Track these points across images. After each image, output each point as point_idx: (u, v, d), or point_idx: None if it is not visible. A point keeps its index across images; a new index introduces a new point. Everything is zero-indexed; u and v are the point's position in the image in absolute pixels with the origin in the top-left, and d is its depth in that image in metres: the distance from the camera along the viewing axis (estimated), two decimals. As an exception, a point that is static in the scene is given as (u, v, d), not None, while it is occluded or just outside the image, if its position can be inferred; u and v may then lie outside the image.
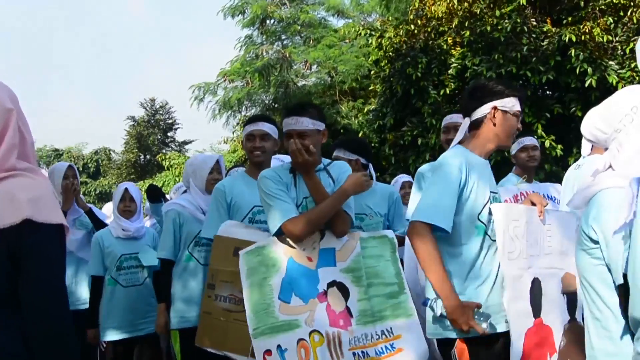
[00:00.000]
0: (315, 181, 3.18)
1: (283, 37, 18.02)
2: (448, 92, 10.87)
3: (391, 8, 15.90)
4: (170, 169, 22.90)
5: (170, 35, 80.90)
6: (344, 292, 3.15)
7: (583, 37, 9.77)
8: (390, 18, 14.67)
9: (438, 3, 11.65)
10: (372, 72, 14.29)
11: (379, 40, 12.73)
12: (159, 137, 37.92)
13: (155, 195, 5.85)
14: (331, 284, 3.14)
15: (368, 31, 14.73)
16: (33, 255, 1.79)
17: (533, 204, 3.15)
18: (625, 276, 2.14)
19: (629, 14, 10.08)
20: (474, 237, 2.85)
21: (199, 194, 4.31)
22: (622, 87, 7.98)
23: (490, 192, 2.96)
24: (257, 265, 3.10)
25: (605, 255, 2.39)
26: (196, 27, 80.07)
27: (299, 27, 17.63)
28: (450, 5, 11.33)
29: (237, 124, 18.25)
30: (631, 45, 9.62)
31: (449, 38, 11.42)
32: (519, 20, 10.17)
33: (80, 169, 36.62)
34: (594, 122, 2.68)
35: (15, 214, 1.77)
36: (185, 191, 4.64)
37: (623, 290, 2.22)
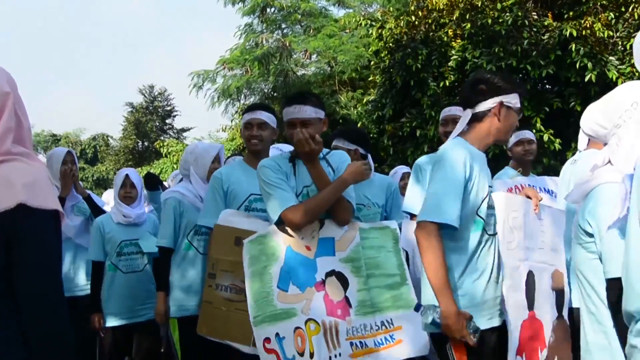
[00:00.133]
0: (319, 170, 3.19)
1: (283, 25, 17.98)
2: (448, 84, 10.86)
3: (392, -1, 15.88)
4: (168, 156, 22.85)
5: (170, 22, 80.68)
6: (343, 282, 3.15)
7: (584, 32, 9.77)
8: (391, 9, 14.64)
9: (439, -6, 11.63)
10: (372, 63, 14.27)
11: (380, 30, 12.71)
12: (157, 124, 37.83)
13: (153, 183, 5.85)
14: (330, 274, 3.15)
15: (369, 21, 14.70)
16: (27, 241, 1.78)
17: (528, 197, 3.16)
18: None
19: (630, 9, 10.08)
20: (473, 232, 2.83)
21: (200, 182, 4.30)
22: (622, 82, 7.99)
23: (488, 186, 2.96)
24: (259, 254, 3.11)
25: (599, 249, 2.41)
26: (196, 14, 79.84)
27: (300, 16, 17.59)
28: (452, -4, 11.32)
29: (236, 112, 18.22)
30: (632, 41, 9.60)
31: (450, 30, 11.41)
32: (520, 14, 10.16)
33: (78, 154, 36.49)
34: (594, 117, 2.69)
35: (9, 198, 1.77)
36: (181, 179, 4.62)
37: (613, 285, 2.24)
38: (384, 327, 3.15)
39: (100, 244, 4.63)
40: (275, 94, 17.21)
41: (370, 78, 14.86)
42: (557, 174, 4.16)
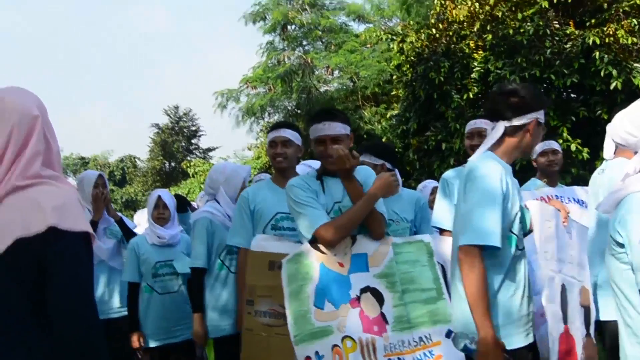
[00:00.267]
0: (356, 185, 3.21)
1: (304, 42, 18.10)
2: (471, 96, 10.82)
3: (412, 12, 15.90)
4: (195, 176, 23.01)
5: (192, 42, 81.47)
6: (379, 297, 3.14)
7: (607, 40, 9.68)
8: (411, 22, 14.66)
9: (459, 7, 11.61)
10: (394, 77, 14.27)
11: (401, 44, 12.71)
12: (183, 144, 38.14)
13: (181, 205, 5.89)
14: (364, 290, 3.13)
15: (389, 36, 14.72)
16: (59, 263, 1.79)
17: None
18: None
19: (653, 15, 9.97)
20: (507, 247, 2.76)
21: (229, 202, 4.34)
22: (648, 89, 7.93)
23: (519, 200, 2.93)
24: (295, 272, 3.13)
25: (630, 259, 2.38)
26: (218, 34, 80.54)
27: (320, 33, 17.71)
28: (472, 8, 11.29)
29: (261, 130, 18.34)
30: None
31: (471, 42, 11.37)
32: (541, 23, 10.11)
33: (107, 177, 36.78)
34: (624, 126, 2.67)
35: (40, 222, 1.79)
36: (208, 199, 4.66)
37: None
38: (422, 343, 3.11)
39: (136, 265, 4.68)
40: (298, 111, 17.30)
41: (393, 92, 14.87)
42: (586, 183, 4.13)
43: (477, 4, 11.18)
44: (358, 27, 19.39)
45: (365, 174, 3.38)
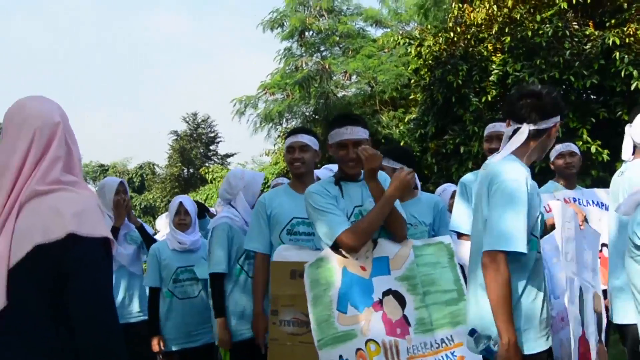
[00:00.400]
0: (380, 186, 3.23)
1: (322, 48, 18.11)
2: (490, 99, 10.77)
3: (429, 16, 15.87)
4: (214, 182, 23.09)
5: (211, 49, 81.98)
6: (400, 300, 3.15)
7: (627, 40, 9.60)
8: (428, 26, 14.62)
9: (477, 10, 11.58)
10: (412, 81, 14.25)
11: (418, 48, 12.70)
12: (202, 150, 38.31)
13: (199, 211, 5.94)
14: (386, 293, 3.14)
15: (407, 40, 14.71)
16: (78, 269, 1.82)
17: None
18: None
19: (674, 14, 9.87)
20: (530, 251, 2.73)
21: (247, 208, 4.38)
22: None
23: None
24: (318, 277, 3.15)
25: None
26: (236, 41, 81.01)
27: (338, 38, 17.71)
28: (490, 11, 11.25)
29: (279, 136, 18.37)
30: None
31: (489, 44, 11.32)
32: (560, 25, 10.04)
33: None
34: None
35: (59, 229, 1.82)
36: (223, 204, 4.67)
37: None
38: (444, 345, 3.11)
39: (157, 271, 4.73)
40: (316, 117, 17.31)
41: (411, 96, 14.84)
42: (606, 185, 4.09)
43: (495, 7, 11.13)
44: (375, 32, 19.41)
45: (381, 179, 3.38)
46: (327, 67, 16.44)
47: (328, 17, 17.85)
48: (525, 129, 2.81)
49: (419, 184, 4.34)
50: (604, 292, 4.30)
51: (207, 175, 24.31)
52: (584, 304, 3.15)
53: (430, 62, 12.11)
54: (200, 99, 77.97)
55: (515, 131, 2.85)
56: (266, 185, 15.90)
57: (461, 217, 4.07)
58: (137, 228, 5.16)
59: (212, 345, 4.61)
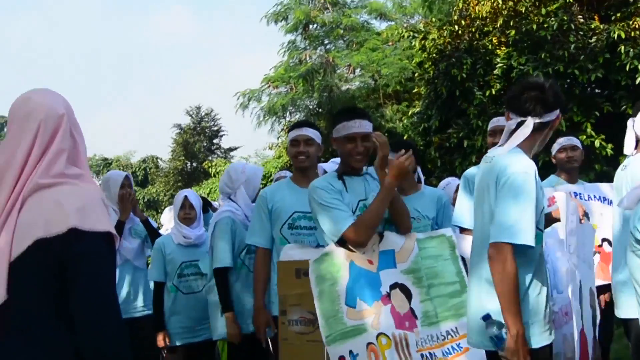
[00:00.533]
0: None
1: (326, 41, 18.08)
2: (494, 92, 10.72)
3: (434, 9, 15.78)
4: (217, 175, 23.10)
5: (214, 43, 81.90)
6: (407, 293, 3.16)
7: (633, 33, 9.53)
8: (433, 19, 14.56)
9: (482, 3, 11.50)
10: (416, 75, 14.19)
11: (423, 42, 12.64)
12: (205, 144, 38.27)
13: (203, 206, 5.95)
14: (393, 286, 3.16)
15: (411, 33, 14.65)
16: (80, 264, 1.81)
17: None
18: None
19: (680, 8, 9.80)
20: (536, 245, 2.73)
21: (249, 203, 4.38)
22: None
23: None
24: (324, 272, 3.14)
25: None
26: (240, 35, 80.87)
27: (342, 31, 17.68)
28: (495, 4, 11.18)
29: (282, 129, 18.35)
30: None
31: (494, 38, 11.27)
32: (565, 18, 9.98)
33: (130, 176, 36.99)
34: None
35: (61, 223, 1.81)
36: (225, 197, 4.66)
37: None
38: (449, 337, 3.14)
39: (162, 265, 4.73)
40: (320, 110, 17.28)
41: (415, 90, 14.79)
42: (610, 179, 4.08)
43: (500, 0, 11.07)
44: (380, 25, 19.35)
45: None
46: (331, 60, 16.41)
47: (332, 10, 17.82)
48: (530, 122, 2.80)
49: (422, 178, 4.32)
50: (602, 287, 4.31)
51: (210, 169, 24.33)
52: (582, 298, 3.15)
53: (434, 55, 12.06)
54: (203, 92, 77.97)
55: (519, 124, 2.83)
56: (269, 179, 15.90)
57: (464, 211, 4.06)
58: (142, 222, 5.16)
59: (212, 340, 4.61)
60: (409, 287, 3.18)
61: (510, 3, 10.96)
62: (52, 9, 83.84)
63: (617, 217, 3.44)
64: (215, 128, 39.19)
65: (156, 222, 6.14)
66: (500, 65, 10.68)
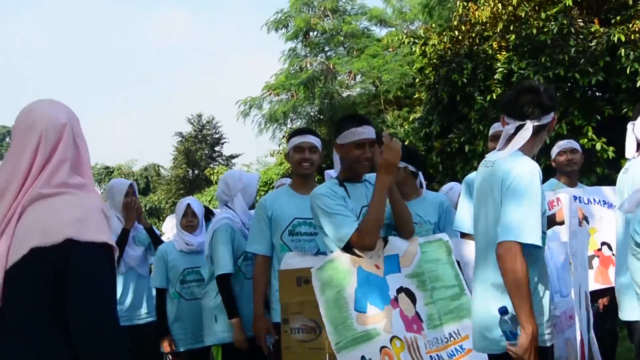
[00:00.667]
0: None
1: (326, 48, 18.14)
2: (495, 97, 10.70)
3: (434, 15, 15.83)
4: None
5: (215, 51, 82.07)
6: (412, 297, 3.17)
7: (633, 37, 9.53)
8: (433, 25, 14.60)
9: (482, 8, 11.53)
10: (417, 80, 14.21)
11: (423, 47, 12.66)
12: (207, 152, 38.32)
13: (205, 214, 5.96)
14: (399, 290, 3.16)
15: (411, 39, 14.67)
16: (77, 275, 1.79)
17: None
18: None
19: (680, 10, 9.81)
20: (541, 247, 2.74)
21: (246, 210, 4.40)
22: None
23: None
24: (329, 280, 3.10)
25: None
26: (241, 42, 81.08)
27: (342, 38, 17.74)
28: (495, 9, 11.20)
29: (283, 136, 18.38)
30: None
31: (494, 43, 11.28)
32: (565, 22, 9.99)
33: (132, 185, 37.00)
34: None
35: (57, 233, 1.80)
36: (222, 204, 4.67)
37: None
38: (452, 339, 3.16)
39: (164, 272, 4.74)
40: (321, 117, 17.31)
41: (416, 95, 14.81)
42: (611, 183, 4.08)
43: (499, 5, 11.09)
44: (380, 32, 19.43)
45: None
46: (331, 67, 16.46)
47: (332, 17, 17.88)
48: (530, 126, 2.81)
49: (424, 183, 4.33)
50: (600, 291, 4.30)
51: (212, 176, 24.37)
52: (580, 301, 3.15)
53: (434, 61, 12.07)
54: (204, 100, 78.14)
55: (517, 128, 2.85)
56: (271, 186, 15.90)
57: (465, 216, 4.06)
58: (146, 229, 5.17)
59: (209, 347, 4.60)
60: (413, 291, 3.18)
61: (510, 8, 10.98)
62: (51, 15, 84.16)
63: (620, 220, 3.44)
64: (217, 136, 39.24)
65: (158, 229, 6.15)
66: (500, 69, 10.69)
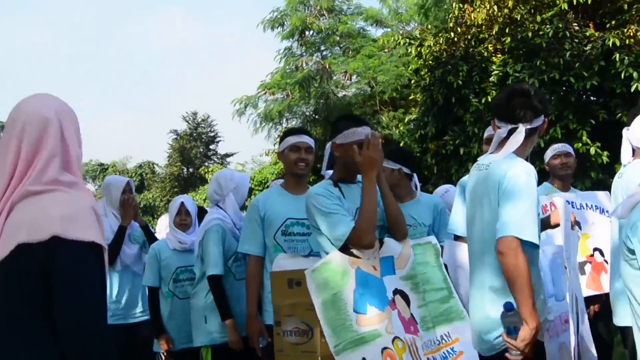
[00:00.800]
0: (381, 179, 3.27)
1: (322, 48, 18.09)
2: (490, 99, 10.71)
3: (430, 16, 15.86)
4: (214, 181, 23.06)
5: (211, 49, 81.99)
6: (406, 299, 3.16)
7: (627, 41, 9.57)
8: (429, 26, 14.61)
9: (478, 10, 11.56)
10: (412, 82, 14.22)
11: (419, 49, 12.68)
12: (201, 150, 38.33)
13: (198, 213, 5.96)
14: (395, 292, 3.14)
15: (407, 40, 14.69)
16: (62, 272, 1.77)
17: None
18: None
19: (675, 16, 9.84)
20: (537, 249, 2.78)
21: (238, 210, 4.39)
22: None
23: None
24: (325, 282, 3.05)
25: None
26: (236, 41, 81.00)
27: (338, 38, 17.70)
28: (491, 12, 11.23)
29: (278, 136, 18.34)
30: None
31: (490, 45, 11.31)
32: (560, 26, 10.02)
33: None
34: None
35: (44, 230, 1.78)
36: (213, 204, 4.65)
37: None
38: (444, 341, 3.17)
39: (156, 270, 4.71)
40: (316, 117, 17.29)
41: (411, 97, 14.83)
42: (605, 187, 4.08)
43: (495, 7, 11.12)
44: (376, 32, 19.40)
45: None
46: (327, 66, 16.43)
47: (328, 17, 17.83)
48: (523, 129, 2.83)
49: (418, 185, 4.32)
50: (592, 297, 4.31)
51: (206, 175, 24.37)
52: (572, 305, 3.15)
53: (430, 62, 12.09)
54: (200, 98, 78.01)
55: (510, 132, 2.86)
56: (266, 185, 15.88)
57: (459, 218, 4.05)
58: (142, 227, 5.15)
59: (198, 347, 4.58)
60: (407, 293, 3.18)
61: (506, 10, 11.01)
62: (51, 13, 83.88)
63: (615, 225, 3.45)
64: (212, 134, 39.26)
65: (152, 227, 6.13)
66: (496, 72, 10.71)
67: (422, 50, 12.43)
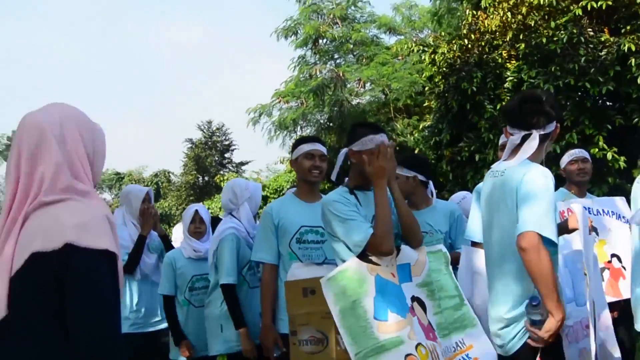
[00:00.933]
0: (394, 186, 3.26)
1: (336, 56, 18.14)
2: (504, 106, 10.69)
3: (443, 23, 15.84)
4: (229, 190, 23.09)
5: (225, 58, 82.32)
6: (423, 306, 3.15)
7: (643, 46, 9.51)
8: (442, 33, 14.60)
9: (491, 16, 11.53)
10: (427, 89, 14.21)
11: (432, 56, 12.66)
12: (216, 158, 38.42)
13: (212, 222, 5.98)
14: (412, 299, 3.12)
15: (421, 47, 14.68)
16: (75, 280, 1.78)
17: None
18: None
19: (690, 19, 9.78)
20: (555, 251, 2.78)
21: (252, 219, 4.41)
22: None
23: None
24: (343, 290, 3.02)
25: None
26: (250, 50, 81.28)
27: (352, 46, 17.75)
28: (504, 18, 11.20)
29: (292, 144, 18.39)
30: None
31: (504, 51, 11.27)
32: (575, 31, 9.97)
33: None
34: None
35: (58, 238, 1.79)
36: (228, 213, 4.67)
37: None
38: (459, 348, 3.16)
39: (172, 279, 4.72)
40: (331, 124, 17.32)
41: (426, 104, 14.80)
42: (623, 193, 4.06)
43: (509, 14, 11.09)
44: (389, 40, 19.44)
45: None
46: (341, 74, 16.47)
47: (342, 25, 17.90)
48: (536, 135, 2.84)
49: (434, 192, 4.31)
50: (611, 304, 4.28)
51: (222, 183, 24.43)
52: (592, 310, 3.14)
53: (444, 69, 12.06)
54: (215, 106, 78.33)
55: (524, 138, 2.87)
56: (281, 193, 15.91)
57: (477, 225, 4.05)
58: (162, 237, 5.17)
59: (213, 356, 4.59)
60: (423, 300, 3.17)
61: (520, 17, 10.97)
62: (62, 22, 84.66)
63: (636, 231, 3.42)
64: (227, 142, 39.35)
65: (169, 235, 6.16)
66: (510, 78, 10.67)
67: (436, 57, 12.41)
